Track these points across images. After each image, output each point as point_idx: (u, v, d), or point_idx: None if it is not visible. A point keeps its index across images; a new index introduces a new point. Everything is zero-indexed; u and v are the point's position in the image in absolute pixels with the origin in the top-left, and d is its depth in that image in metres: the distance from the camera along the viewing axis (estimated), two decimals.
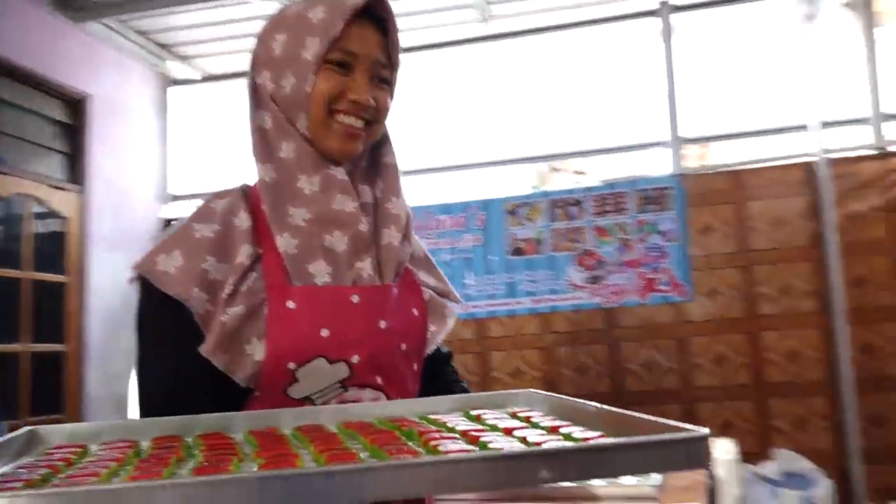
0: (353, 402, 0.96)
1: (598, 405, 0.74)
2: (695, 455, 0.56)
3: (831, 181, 3.76)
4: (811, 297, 3.80)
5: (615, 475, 0.60)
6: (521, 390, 0.95)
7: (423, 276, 1.12)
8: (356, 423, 0.86)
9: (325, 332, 0.94)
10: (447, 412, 0.92)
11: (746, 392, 3.86)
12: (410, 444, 0.74)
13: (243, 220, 1.00)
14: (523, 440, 0.69)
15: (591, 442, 0.59)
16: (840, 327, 3.67)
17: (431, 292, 1.10)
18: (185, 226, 1.01)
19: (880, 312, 3.72)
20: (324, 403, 0.96)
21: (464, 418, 0.85)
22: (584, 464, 0.57)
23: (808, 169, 3.86)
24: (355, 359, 0.95)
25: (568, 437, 0.69)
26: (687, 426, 0.58)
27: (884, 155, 3.83)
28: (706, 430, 0.57)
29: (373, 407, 0.92)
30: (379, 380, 0.98)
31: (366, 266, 1.00)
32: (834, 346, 3.69)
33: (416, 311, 1.05)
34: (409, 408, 0.91)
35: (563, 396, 0.88)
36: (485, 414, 0.88)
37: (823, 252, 3.76)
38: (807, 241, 3.83)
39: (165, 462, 0.71)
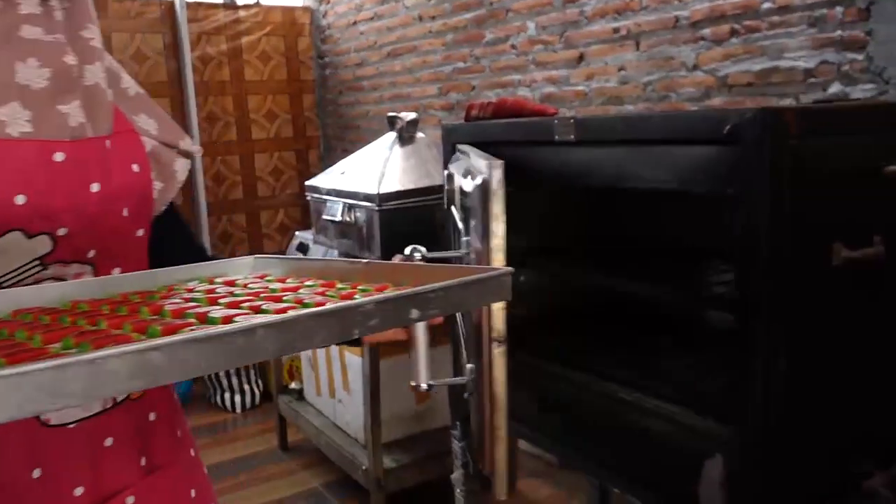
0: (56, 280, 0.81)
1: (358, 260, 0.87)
2: (504, 288, 0.72)
3: (188, 24, 4.07)
4: None
5: (457, 310, 0.84)
6: (245, 257, 0.96)
7: (143, 122, 0.91)
8: (94, 302, 0.75)
9: (20, 199, 0.74)
10: (182, 282, 0.86)
11: None
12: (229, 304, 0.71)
13: None
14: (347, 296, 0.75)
15: (451, 282, 0.68)
16: (196, 160, 4.16)
17: (154, 142, 0.91)
18: None
19: (226, 147, 4.35)
20: (15, 286, 0.77)
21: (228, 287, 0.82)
22: (442, 301, 0.66)
23: (168, 9, 4.05)
24: (62, 231, 0.78)
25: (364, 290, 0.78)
26: (495, 266, 0.81)
27: (233, 7, 4.31)
28: (511, 269, 0.71)
29: (102, 283, 0.81)
30: (91, 253, 0.83)
31: (73, 111, 0.80)
32: (193, 174, 4.16)
33: (136, 167, 0.86)
34: (139, 282, 0.84)
35: (288, 257, 0.95)
36: (242, 279, 0.86)
37: (183, 90, 4.10)
38: (167, 77, 4.10)
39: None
